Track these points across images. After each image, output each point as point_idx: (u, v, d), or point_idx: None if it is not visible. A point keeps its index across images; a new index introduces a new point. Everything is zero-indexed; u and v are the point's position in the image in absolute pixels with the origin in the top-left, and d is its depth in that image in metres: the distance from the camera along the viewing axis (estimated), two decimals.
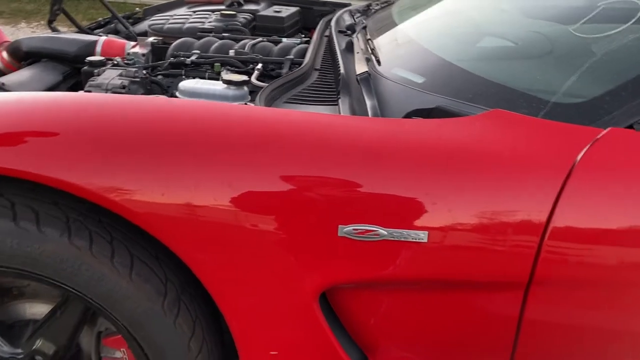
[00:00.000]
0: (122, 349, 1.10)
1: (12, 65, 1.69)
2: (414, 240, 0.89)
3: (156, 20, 2.04)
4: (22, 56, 1.69)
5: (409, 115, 1.03)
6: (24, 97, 0.97)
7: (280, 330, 0.97)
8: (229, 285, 0.93)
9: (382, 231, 0.89)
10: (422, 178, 0.89)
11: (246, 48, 1.64)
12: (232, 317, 0.96)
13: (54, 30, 1.96)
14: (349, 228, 0.89)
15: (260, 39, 1.74)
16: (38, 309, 1.08)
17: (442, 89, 1.08)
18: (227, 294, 0.93)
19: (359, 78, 1.16)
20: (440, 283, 0.94)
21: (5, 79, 1.49)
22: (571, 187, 0.88)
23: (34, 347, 1.03)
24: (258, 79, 1.38)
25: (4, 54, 1.70)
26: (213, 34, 1.83)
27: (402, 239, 0.89)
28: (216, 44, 1.67)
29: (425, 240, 0.89)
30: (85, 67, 1.49)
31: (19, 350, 1.03)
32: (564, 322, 0.97)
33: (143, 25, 2.19)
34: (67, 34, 1.81)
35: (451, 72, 1.13)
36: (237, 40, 1.73)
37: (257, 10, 2.15)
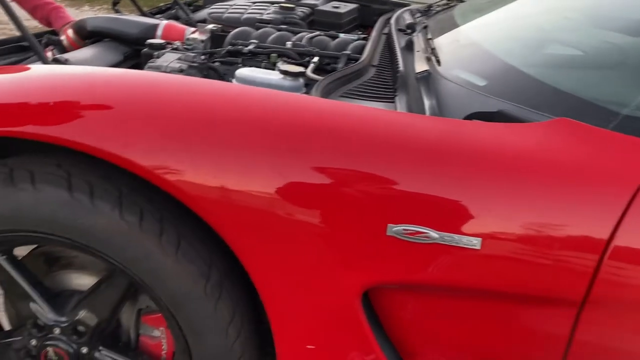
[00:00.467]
0: (160, 328, 1.11)
1: (77, 43, 1.74)
2: (466, 246, 0.86)
3: (216, 8, 2.06)
4: (86, 35, 1.73)
5: (469, 118, 1.00)
6: (89, 71, 0.99)
7: (319, 325, 0.96)
8: (273, 275, 0.92)
9: (434, 234, 0.86)
10: (479, 182, 0.86)
11: (303, 41, 1.64)
12: (272, 306, 0.95)
13: (118, 12, 2.01)
14: (399, 228, 0.87)
15: (317, 32, 1.73)
16: (84, 281, 1.10)
17: (505, 94, 1.04)
18: (269, 283, 0.93)
19: (418, 77, 1.14)
20: (488, 292, 0.91)
21: (70, 55, 1.53)
22: (638, 205, 0.83)
23: (77, 317, 1.05)
24: (313, 72, 1.38)
25: (70, 32, 1.75)
26: (271, 25, 1.84)
27: (454, 244, 0.86)
28: (274, 35, 1.67)
29: (478, 247, 0.85)
30: (145, 49, 1.52)
31: (63, 319, 1.06)
32: (617, 345, 0.93)
33: (202, 13, 2.22)
34: (130, 16, 1.84)
35: (515, 77, 1.09)
36: (294, 33, 1.73)
37: (315, 5, 2.15)
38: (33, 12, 1.94)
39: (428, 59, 1.23)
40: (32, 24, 2.76)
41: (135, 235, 0.92)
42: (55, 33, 1.86)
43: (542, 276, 0.87)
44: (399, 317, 0.98)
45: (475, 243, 0.85)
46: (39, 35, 1.80)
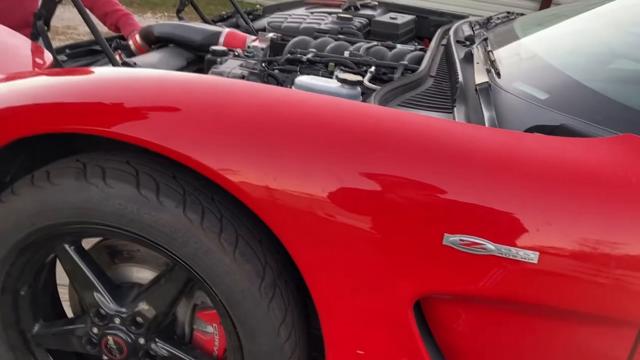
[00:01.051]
0: (214, 324, 1.14)
1: (143, 48, 1.82)
2: (523, 259, 0.85)
3: (275, 17, 2.12)
4: (153, 40, 1.81)
5: (529, 131, 0.99)
6: (159, 74, 1.04)
7: (371, 331, 0.96)
8: (327, 278, 0.93)
9: (490, 246, 0.85)
10: (539, 196, 0.85)
11: (361, 51, 1.66)
12: (325, 310, 0.96)
13: (181, 19, 2.09)
14: (455, 238, 0.87)
15: (374, 43, 1.75)
16: (144, 274, 1.15)
17: (568, 108, 1.02)
18: (323, 287, 0.94)
19: (477, 88, 1.14)
20: (543, 308, 0.89)
21: (137, 59, 1.60)
22: None
23: (136, 308, 1.10)
24: (370, 81, 1.39)
25: (137, 38, 1.83)
26: (329, 35, 1.87)
27: (511, 257, 0.85)
28: (331, 45, 1.70)
29: (536, 261, 0.84)
30: (208, 56, 1.57)
31: (123, 310, 1.10)
32: None
33: (262, 22, 2.28)
34: (194, 23, 1.91)
35: (579, 91, 1.07)
36: (352, 43, 1.75)
37: (373, 16, 2.17)
38: (104, 18, 2.05)
39: (488, 71, 1.23)
40: (101, 29, 2.90)
41: (197, 232, 0.95)
42: (123, 38, 1.96)
43: (601, 295, 0.85)
44: (450, 327, 0.97)
45: (533, 257, 0.84)
46: (108, 40, 1.90)
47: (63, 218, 1.02)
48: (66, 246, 1.10)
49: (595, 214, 0.84)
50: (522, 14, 1.97)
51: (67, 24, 4.51)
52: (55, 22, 4.35)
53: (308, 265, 0.94)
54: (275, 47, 1.77)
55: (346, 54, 1.63)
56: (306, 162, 0.89)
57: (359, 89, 1.31)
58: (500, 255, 0.85)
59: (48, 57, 1.38)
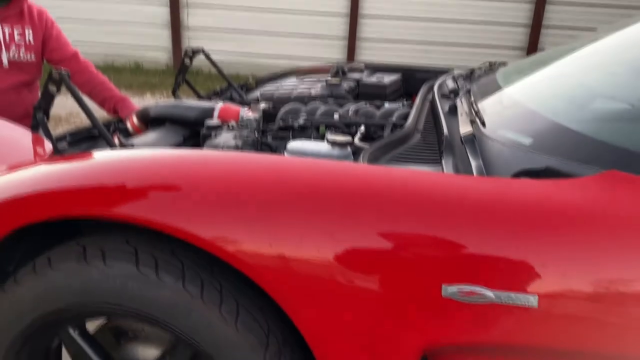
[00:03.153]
0: None
1: (140, 128, 1.88)
2: (523, 304, 0.84)
3: (267, 88, 2.20)
4: (149, 120, 1.87)
5: (516, 176, 1.01)
6: (152, 154, 1.07)
7: None
8: (330, 340, 0.93)
9: (489, 293, 0.85)
10: (532, 239, 0.85)
11: (350, 112, 1.71)
12: None
13: (177, 97, 2.17)
14: (454, 288, 0.87)
15: (363, 103, 1.80)
16: (150, 352, 1.14)
17: (552, 150, 1.05)
18: (328, 349, 0.93)
19: (463, 138, 1.17)
20: (549, 351, 0.88)
21: (135, 140, 1.65)
22: None
23: None
24: (361, 140, 1.43)
25: (134, 119, 1.90)
26: (319, 100, 1.93)
27: (511, 303, 0.85)
28: (322, 109, 1.75)
29: (536, 305, 0.84)
30: (203, 130, 1.62)
31: None
32: None
33: (255, 93, 2.36)
34: (188, 100, 1.98)
35: (562, 133, 1.10)
36: (341, 106, 1.81)
37: (360, 78, 2.24)
38: (102, 103, 2.13)
39: (472, 121, 1.26)
40: (101, 114, 3.00)
41: (197, 305, 0.96)
42: (121, 121, 2.02)
43: (603, 334, 0.84)
44: None
45: (532, 301, 0.84)
46: (107, 124, 1.96)
47: (65, 301, 1.03)
48: (70, 330, 1.10)
49: (589, 253, 0.84)
50: (503, 63, 2.03)
51: (70, 111, 4.66)
52: (58, 110, 4.51)
53: (310, 329, 0.93)
54: (268, 116, 1.83)
55: (336, 116, 1.68)
56: (299, 226, 0.91)
57: (349, 149, 1.34)
58: (500, 302, 0.85)
59: (48, 146, 1.43)
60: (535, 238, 0.85)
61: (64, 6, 6.22)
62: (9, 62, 1.91)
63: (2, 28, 1.89)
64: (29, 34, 1.96)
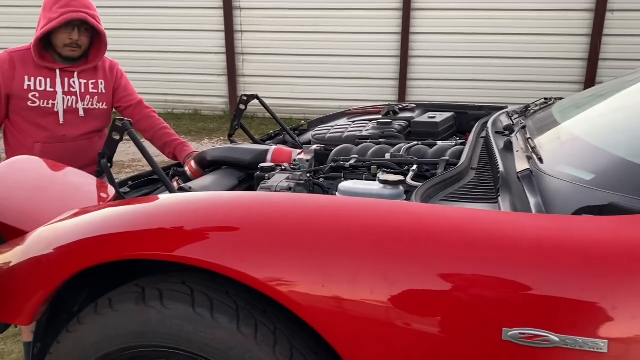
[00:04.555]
0: None
1: (198, 172, 1.94)
2: (592, 349, 0.79)
3: (319, 130, 2.23)
4: (206, 164, 1.94)
5: (578, 213, 0.97)
6: (207, 197, 1.10)
7: None
8: None
9: (554, 337, 0.81)
10: (598, 279, 0.81)
11: (401, 151, 1.70)
12: None
13: (233, 142, 2.24)
14: (515, 332, 0.83)
15: (415, 142, 1.80)
16: None
17: (615, 186, 1.00)
18: None
19: (520, 175, 1.13)
20: None
21: (192, 184, 1.71)
22: None
23: None
24: (413, 179, 1.42)
25: (192, 163, 1.96)
26: (370, 140, 1.94)
27: (577, 348, 0.80)
28: (373, 149, 1.76)
29: (605, 350, 0.79)
30: (257, 173, 1.66)
31: None
32: None
33: (307, 135, 2.40)
34: (243, 144, 2.04)
35: (625, 169, 1.05)
36: (392, 145, 1.80)
37: (412, 117, 2.25)
38: (162, 148, 2.22)
39: (529, 158, 1.23)
40: (161, 159, 3.13)
41: (251, 347, 0.95)
42: (180, 165, 2.10)
43: None
44: None
45: (602, 346, 0.79)
46: (166, 169, 2.05)
47: (124, 343, 1.05)
48: None
49: None
50: (560, 99, 1.99)
51: (133, 157, 4.88)
52: (121, 157, 4.75)
53: None
54: (320, 158, 1.85)
55: (387, 156, 1.68)
56: (352, 266, 0.90)
57: (401, 188, 1.33)
58: (566, 346, 0.81)
59: (111, 191, 1.50)
60: (603, 278, 0.81)
61: (131, 58, 6.64)
62: (84, 110, 2.06)
63: (79, 81, 2.04)
64: (102, 85, 2.11)
